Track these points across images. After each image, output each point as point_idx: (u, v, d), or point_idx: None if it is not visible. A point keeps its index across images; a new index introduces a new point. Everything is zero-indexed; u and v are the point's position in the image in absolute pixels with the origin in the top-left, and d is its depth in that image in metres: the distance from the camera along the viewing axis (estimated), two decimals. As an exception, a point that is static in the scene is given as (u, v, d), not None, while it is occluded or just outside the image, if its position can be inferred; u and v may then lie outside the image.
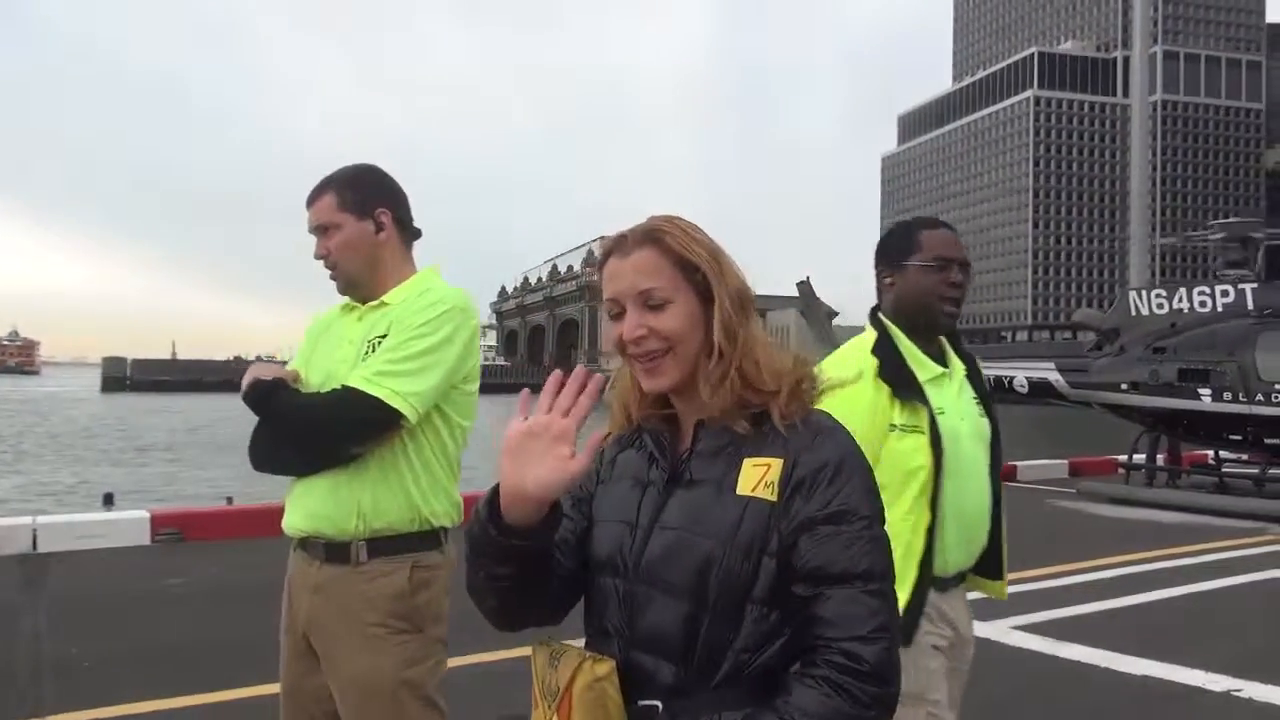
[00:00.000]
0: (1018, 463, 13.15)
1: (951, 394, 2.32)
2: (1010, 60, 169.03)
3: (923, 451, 2.19)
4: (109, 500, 10.84)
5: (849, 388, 2.17)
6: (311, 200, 2.33)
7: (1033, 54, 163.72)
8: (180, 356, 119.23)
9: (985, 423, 2.36)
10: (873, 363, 2.26)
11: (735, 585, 1.28)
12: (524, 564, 1.30)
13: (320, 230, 2.31)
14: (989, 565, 2.38)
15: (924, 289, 2.31)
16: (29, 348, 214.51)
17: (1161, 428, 12.66)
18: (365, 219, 2.31)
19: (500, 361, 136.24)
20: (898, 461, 2.17)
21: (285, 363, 2.45)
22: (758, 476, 1.31)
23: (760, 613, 1.28)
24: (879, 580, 1.28)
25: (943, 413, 2.23)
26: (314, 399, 2.23)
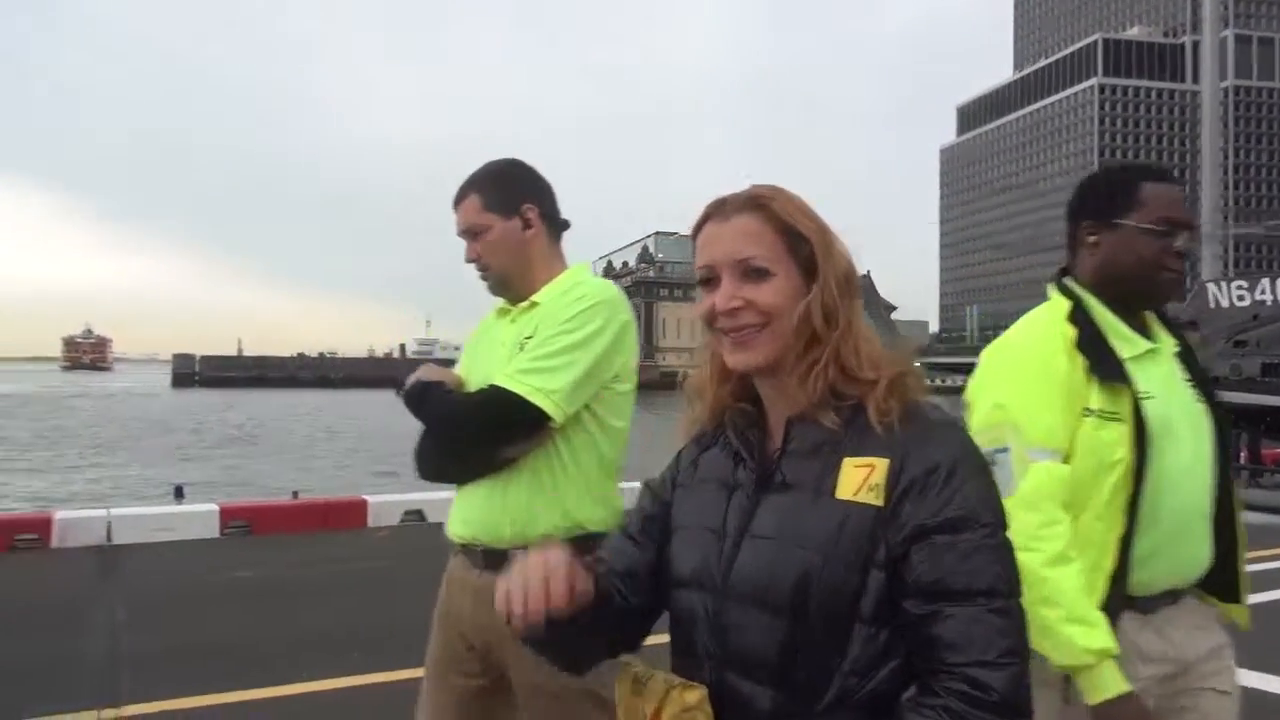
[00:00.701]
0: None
1: (1161, 375, 1.88)
2: (1074, 47, 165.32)
3: (1124, 443, 1.77)
4: (180, 493, 11.02)
5: (1039, 355, 1.87)
6: (457, 202, 2.28)
7: (1097, 40, 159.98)
8: (246, 353, 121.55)
9: (1203, 409, 1.92)
10: (1069, 331, 1.86)
11: (839, 601, 1.14)
12: (561, 650, 1.23)
13: (468, 234, 2.27)
14: (1220, 584, 1.92)
15: (1143, 255, 1.88)
16: (102, 345, 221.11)
17: (1243, 425, 12.23)
18: (512, 217, 2.25)
19: None
20: (1094, 453, 1.78)
21: (452, 364, 2.43)
22: (860, 478, 1.17)
23: (868, 632, 1.13)
24: (1005, 596, 1.13)
25: (1150, 397, 1.81)
26: (460, 398, 2.21)
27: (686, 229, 1.32)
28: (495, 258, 2.26)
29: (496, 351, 2.25)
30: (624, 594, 1.31)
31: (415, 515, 8.79)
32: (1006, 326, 2.07)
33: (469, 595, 2.21)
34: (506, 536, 2.13)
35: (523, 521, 2.13)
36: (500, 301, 2.37)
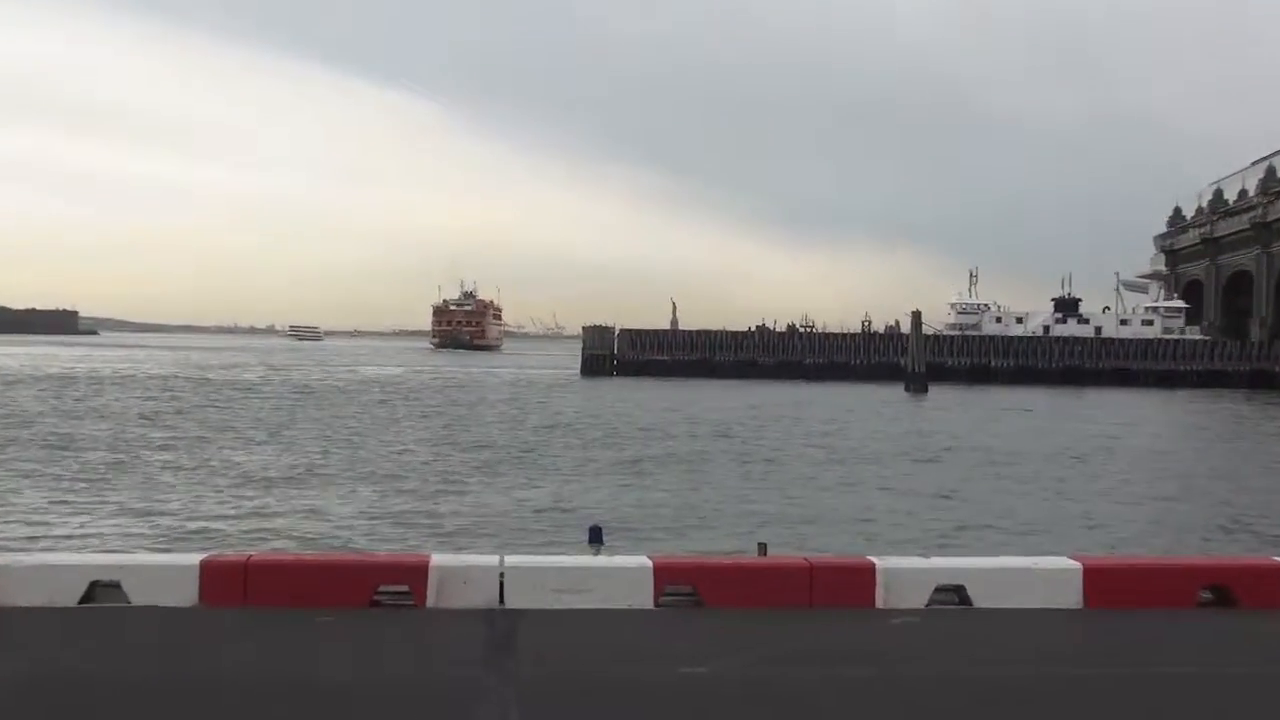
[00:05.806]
0: None
1: None
2: None
3: None
4: (597, 537, 11.16)
5: None
6: None
7: None
8: (681, 326, 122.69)
9: None
10: None
11: None
12: None
13: None
14: None
15: None
16: (482, 314, 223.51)
17: None
18: None
19: (1186, 333, 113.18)
20: None
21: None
22: None
23: None
24: None
25: None
26: None
27: None
28: None
29: None
30: None
31: (952, 594, 8.20)
32: None
33: None
34: None
35: None
36: None
